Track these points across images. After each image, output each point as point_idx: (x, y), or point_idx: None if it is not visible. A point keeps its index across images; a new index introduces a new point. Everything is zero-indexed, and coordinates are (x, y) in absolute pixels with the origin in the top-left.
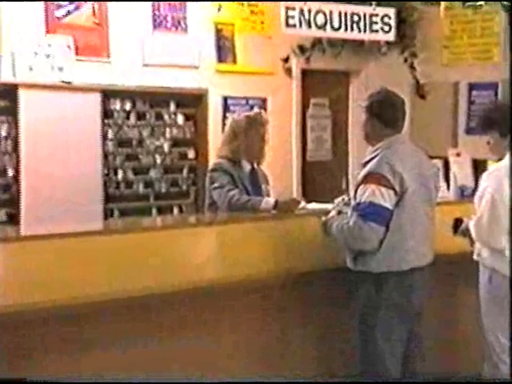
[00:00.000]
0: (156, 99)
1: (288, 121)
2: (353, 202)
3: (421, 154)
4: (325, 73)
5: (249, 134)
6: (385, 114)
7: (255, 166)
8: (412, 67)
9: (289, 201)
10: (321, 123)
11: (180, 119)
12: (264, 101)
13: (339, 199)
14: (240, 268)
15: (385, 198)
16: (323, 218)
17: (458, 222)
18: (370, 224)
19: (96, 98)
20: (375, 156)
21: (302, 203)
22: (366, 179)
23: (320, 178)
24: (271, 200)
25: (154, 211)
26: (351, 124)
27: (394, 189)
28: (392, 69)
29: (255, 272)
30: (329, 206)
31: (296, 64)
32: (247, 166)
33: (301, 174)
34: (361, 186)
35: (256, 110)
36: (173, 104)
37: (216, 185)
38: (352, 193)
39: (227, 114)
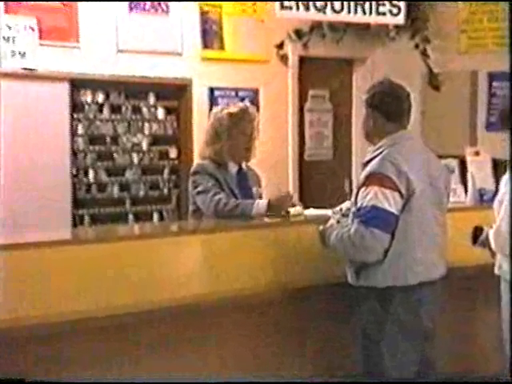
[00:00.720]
0: (133, 90)
1: (283, 115)
2: (353, 208)
3: (429, 152)
4: (325, 61)
5: (233, 134)
6: (388, 107)
7: (243, 166)
8: (424, 54)
9: (280, 197)
10: (321, 118)
11: (160, 113)
12: (256, 92)
13: (336, 209)
14: (228, 282)
15: (389, 202)
16: (320, 227)
17: (477, 231)
18: (373, 231)
19: (64, 89)
20: (377, 155)
21: (299, 208)
22: (368, 181)
23: (319, 180)
24: (263, 202)
25: (131, 218)
26: (355, 119)
27: (399, 191)
28: (401, 56)
29: (246, 287)
30: (329, 212)
31: (292, 51)
32: (233, 168)
33: (298, 175)
34: (362, 189)
35: (240, 103)
36: (152, 96)
37: (200, 189)
38: (353, 197)
39: (214, 107)
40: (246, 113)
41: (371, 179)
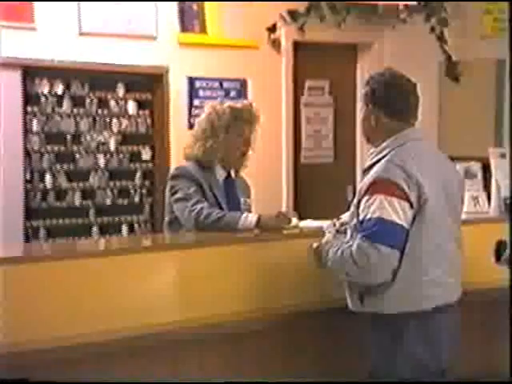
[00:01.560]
0: (98, 80)
1: (275, 110)
2: (354, 221)
3: (440, 153)
4: (324, 46)
5: (231, 133)
6: (392, 102)
7: (232, 173)
8: (441, 39)
9: (276, 216)
10: (319, 113)
11: (131, 107)
12: (243, 83)
13: (329, 223)
14: (208, 307)
15: (398, 213)
16: (314, 244)
17: (501, 247)
18: (380, 248)
19: (16, 77)
20: (381, 158)
21: (294, 220)
22: (372, 188)
23: (318, 187)
24: (253, 217)
25: (95, 230)
26: (360, 114)
27: (408, 200)
28: (414, 41)
29: (228, 313)
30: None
31: (286, 35)
32: (221, 173)
33: (292, 181)
34: (365, 198)
35: (244, 100)
36: (121, 87)
37: (179, 196)
38: (353, 208)
39: (195, 101)
40: (250, 112)
41: (375, 186)
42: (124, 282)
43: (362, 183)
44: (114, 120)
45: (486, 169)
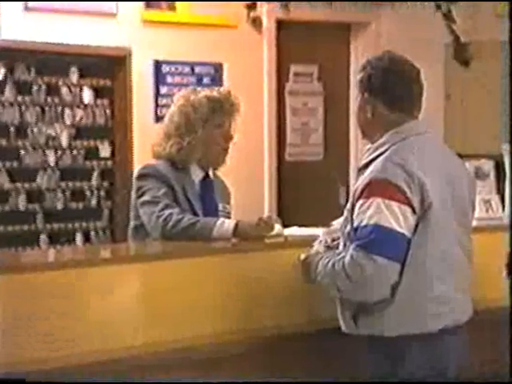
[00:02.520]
0: (47, 63)
1: (256, 100)
2: (348, 228)
3: (447, 149)
4: (312, 26)
5: (209, 127)
6: (391, 91)
7: (210, 173)
8: (448, 18)
9: (256, 224)
10: (307, 103)
11: (87, 95)
12: (218, 68)
13: (318, 240)
14: (177, 329)
15: (398, 219)
16: (302, 256)
17: None
18: (376, 259)
19: None
20: (379, 155)
21: (277, 227)
22: (368, 190)
23: (305, 188)
24: (229, 223)
25: (44, 239)
26: (354, 105)
27: (411, 204)
28: (417, 21)
29: (201, 334)
30: (319, 232)
31: (268, 12)
32: (198, 174)
33: (276, 182)
34: (359, 202)
35: (220, 88)
36: (75, 71)
37: (146, 198)
38: (346, 213)
39: (162, 89)
40: (230, 101)
41: (372, 188)
42: (78, 300)
43: (356, 184)
44: (67, 110)
45: (500, 168)
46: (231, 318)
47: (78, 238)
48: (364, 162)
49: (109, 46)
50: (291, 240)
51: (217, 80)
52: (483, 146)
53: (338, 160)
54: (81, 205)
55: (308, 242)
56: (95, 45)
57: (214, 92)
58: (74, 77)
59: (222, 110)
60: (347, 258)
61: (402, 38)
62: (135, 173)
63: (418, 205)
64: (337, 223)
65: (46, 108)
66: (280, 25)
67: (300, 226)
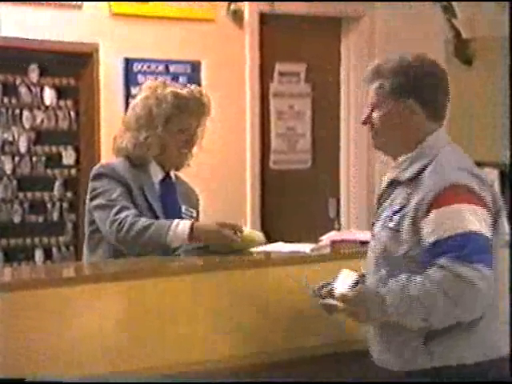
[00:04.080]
0: (3, 60)
1: (237, 101)
2: (403, 250)
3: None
4: (299, 20)
5: (171, 126)
6: (433, 97)
7: (172, 173)
8: (449, 11)
9: (220, 226)
10: (293, 106)
11: (48, 96)
12: (195, 67)
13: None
14: (156, 356)
15: (483, 224)
16: (338, 292)
17: None
18: (482, 269)
19: None
20: (425, 165)
21: (244, 229)
22: (443, 199)
23: (291, 199)
24: (184, 225)
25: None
26: (345, 107)
27: (488, 207)
28: (414, 15)
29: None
30: (306, 248)
31: (250, 5)
32: (158, 174)
33: (259, 191)
34: (432, 215)
35: (193, 86)
36: (35, 69)
37: (99, 201)
38: (406, 234)
39: (133, 89)
40: (199, 101)
41: (449, 196)
42: (38, 324)
43: (408, 200)
44: (26, 112)
45: (505, 177)
46: (214, 344)
47: (38, 254)
48: (408, 175)
49: (73, 41)
50: (275, 257)
51: (194, 79)
52: (487, 153)
53: (328, 168)
54: (41, 218)
55: (296, 258)
56: (58, 40)
57: (184, 89)
58: (33, 75)
59: (187, 110)
60: (441, 275)
61: (398, 34)
62: (92, 173)
63: (493, 209)
64: (326, 238)
65: (2, 110)
66: (263, 18)
67: (286, 241)
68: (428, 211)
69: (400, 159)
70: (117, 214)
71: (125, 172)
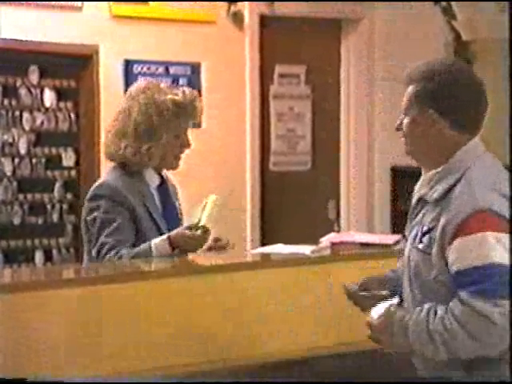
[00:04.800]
0: (4, 62)
1: (237, 103)
2: (437, 275)
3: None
4: (299, 22)
5: (170, 133)
6: (465, 109)
7: (163, 173)
8: (449, 13)
9: (188, 233)
10: (293, 108)
11: (48, 97)
12: (195, 69)
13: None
14: (147, 358)
15: (505, 252)
16: (374, 321)
17: None
18: (504, 304)
19: None
20: (456, 182)
21: (204, 219)
22: (471, 225)
23: (291, 201)
24: (161, 241)
25: None
26: (345, 109)
27: (509, 228)
28: (415, 16)
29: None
30: (306, 250)
31: (250, 7)
32: (154, 180)
33: (259, 193)
34: (456, 241)
35: (185, 88)
36: (35, 71)
37: (94, 231)
38: (435, 257)
39: (133, 89)
40: (193, 105)
41: (477, 221)
42: (38, 325)
43: (432, 221)
44: (26, 114)
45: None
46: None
47: (38, 256)
48: (436, 195)
49: (73, 43)
50: (275, 259)
51: (194, 81)
52: None
53: (328, 170)
54: (41, 219)
55: (294, 261)
56: (58, 42)
57: (179, 94)
58: (33, 77)
59: (185, 115)
60: (460, 309)
61: (398, 36)
62: (88, 193)
63: None
64: (326, 240)
65: (2, 111)
66: (263, 21)
67: (285, 243)
68: (453, 238)
69: (429, 174)
70: (106, 253)
71: (124, 188)
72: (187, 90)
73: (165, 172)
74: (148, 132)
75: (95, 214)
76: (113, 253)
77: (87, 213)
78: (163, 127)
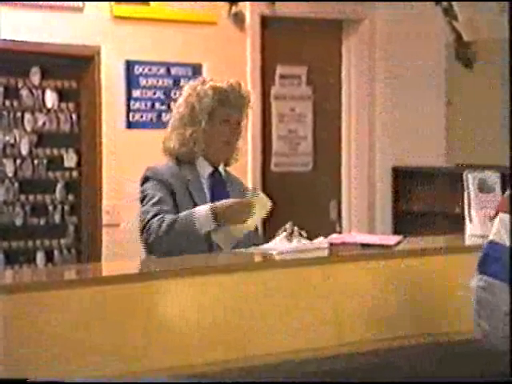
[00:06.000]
0: (5, 63)
1: None
2: None
3: None
4: (300, 23)
5: (214, 119)
6: None
7: (221, 169)
8: (450, 14)
9: (231, 204)
10: (295, 109)
11: (50, 98)
12: (197, 69)
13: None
14: (148, 360)
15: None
16: None
17: None
18: (488, 280)
19: None
20: None
21: (261, 195)
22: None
23: (293, 202)
24: (204, 210)
25: (0, 258)
26: (346, 110)
27: None
28: (415, 17)
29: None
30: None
31: (251, 7)
32: (206, 169)
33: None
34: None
35: (231, 80)
36: (37, 72)
37: (141, 208)
38: None
39: (134, 92)
40: (238, 93)
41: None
42: (39, 326)
43: None
44: (27, 115)
45: (507, 180)
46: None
47: (40, 257)
48: None
49: (75, 44)
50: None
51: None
52: (488, 156)
53: (329, 171)
54: (42, 220)
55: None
56: (59, 43)
57: (223, 83)
58: (35, 78)
59: (228, 102)
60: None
61: (399, 37)
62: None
63: None
64: (329, 240)
65: (4, 112)
66: (265, 21)
67: None
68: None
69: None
70: (148, 221)
71: (167, 172)
72: (233, 80)
73: (222, 167)
74: (191, 119)
75: (143, 194)
76: (156, 219)
77: (139, 197)
78: (204, 112)
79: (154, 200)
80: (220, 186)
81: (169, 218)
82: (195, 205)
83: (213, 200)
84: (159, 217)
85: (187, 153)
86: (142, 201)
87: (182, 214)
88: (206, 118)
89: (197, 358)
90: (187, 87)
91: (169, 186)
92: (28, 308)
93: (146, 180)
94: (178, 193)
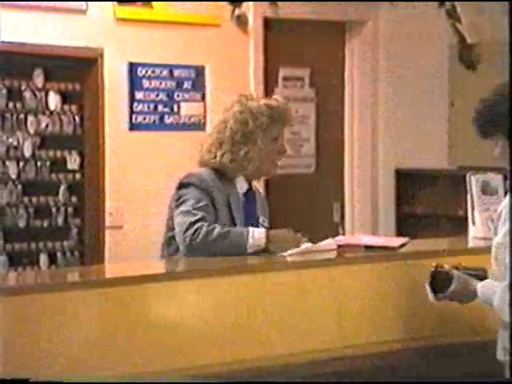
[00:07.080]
0: (9, 64)
1: None
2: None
3: None
4: (303, 25)
5: (266, 138)
6: None
7: (253, 183)
8: (453, 16)
9: (284, 233)
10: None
11: (53, 100)
12: (200, 71)
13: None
14: (148, 362)
15: None
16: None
17: (436, 275)
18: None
19: None
20: None
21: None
22: None
23: (295, 204)
24: (261, 233)
25: (3, 260)
26: (349, 112)
27: None
28: (418, 19)
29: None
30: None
31: (254, 9)
32: (243, 186)
33: (263, 195)
34: None
35: (275, 96)
36: (40, 74)
37: (183, 209)
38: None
39: (137, 94)
40: (285, 110)
41: None
42: (42, 328)
43: None
44: (30, 117)
45: (507, 181)
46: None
47: (43, 259)
48: None
49: (78, 46)
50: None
51: (198, 84)
52: (491, 158)
53: (332, 173)
54: (46, 222)
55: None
56: (62, 45)
57: (272, 100)
58: (38, 80)
59: (280, 120)
60: None
61: (402, 39)
62: (177, 183)
63: None
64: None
65: (7, 115)
66: (268, 23)
67: None
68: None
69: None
70: (195, 222)
71: (212, 183)
72: (277, 96)
73: (255, 184)
74: (244, 137)
75: (184, 198)
76: (206, 224)
77: (176, 200)
78: (258, 131)
79: (200, 205)
80: (252, 202)
81: (219, 227)
82: (232, 219)
83: (245, 218)
84: (208, 223)
85: (235, 170)
86: (181, 203)
87: (236, 229)
88: (261, 135)
89: (201, 359)
90: (233, 102)
91: (212, 197)
92: (31, 310)
93: (188, 185)
94: (218, 205)
